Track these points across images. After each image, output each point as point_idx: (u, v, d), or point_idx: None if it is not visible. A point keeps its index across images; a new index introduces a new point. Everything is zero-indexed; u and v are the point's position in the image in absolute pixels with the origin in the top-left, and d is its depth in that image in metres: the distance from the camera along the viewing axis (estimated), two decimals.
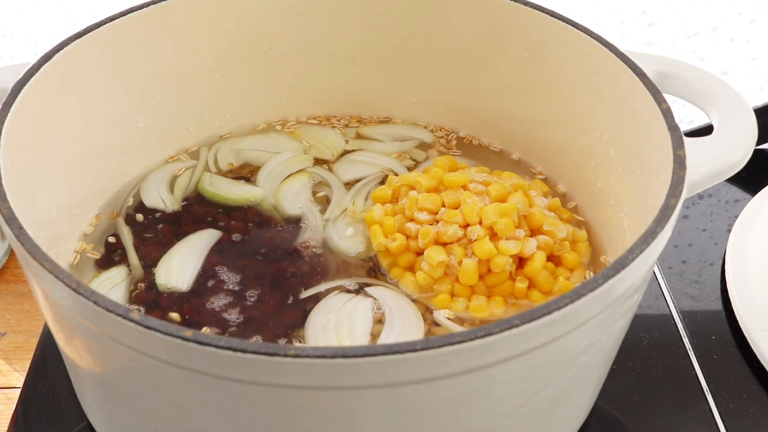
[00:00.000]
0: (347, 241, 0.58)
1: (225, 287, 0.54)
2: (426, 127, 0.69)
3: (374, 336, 0.51)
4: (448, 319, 0.53)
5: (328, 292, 0.54)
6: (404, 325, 0.52)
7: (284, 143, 0.67)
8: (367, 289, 0.54)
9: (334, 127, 0.69)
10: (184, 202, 0.61)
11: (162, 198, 0.61)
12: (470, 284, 0.53)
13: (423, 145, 0.67)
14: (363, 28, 0.64)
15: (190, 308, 0.53)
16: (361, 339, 0.51)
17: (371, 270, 0.56)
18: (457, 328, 0.52)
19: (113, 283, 0.55)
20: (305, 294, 0.54)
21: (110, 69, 0.57)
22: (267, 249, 0.57)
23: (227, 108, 0.67)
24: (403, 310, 0.53)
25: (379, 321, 0.52)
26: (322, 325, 0.51)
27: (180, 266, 0.55)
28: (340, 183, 0.63)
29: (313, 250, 0.57)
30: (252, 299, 0.54)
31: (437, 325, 0.53)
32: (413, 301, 0.54)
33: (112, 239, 0.58)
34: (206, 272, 0.55)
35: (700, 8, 0.89)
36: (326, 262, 0.56)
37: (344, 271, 0.56)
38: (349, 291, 0.54)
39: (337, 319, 0.52)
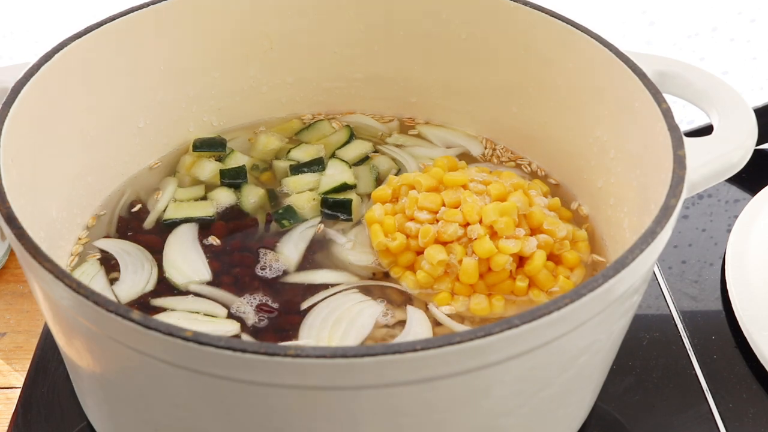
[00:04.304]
0: (351, 250, 0.57)
1: (223, 288, 0.54)
2: (481, 141, 0.67)
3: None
4: (448, 315, 0.53)
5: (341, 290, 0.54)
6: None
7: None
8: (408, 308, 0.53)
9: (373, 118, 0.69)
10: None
11: None
12: (470, 283, 0.53)
13: (464, 156, 0.66)
14: (363, 27, 0.64)
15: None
16: (352, 343, 0.51)
17: (375, 275, 0.56)
18: (457, 327, 0.52)
19: (90, 276, 0.55)
20: (310, 301, 0.54)
21: (110, 69, 0.57)
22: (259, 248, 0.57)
23: (227, 108, 0.66)
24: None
25: (384, 325, 0.52)
26: (323, 318, 0.51)
27: (185, 262, 0.55)
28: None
29: (314, 249, 0.57)
30: (249, 299, 0.54)
31: (438, 324, 0.53)
32: (413, 297, 0.54)
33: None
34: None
35: (700, 8, 0.89)
36: (327, 264, 0.57)
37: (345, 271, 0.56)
38: (365, 293, 0.54)
39: (339, 316, 0.51)
